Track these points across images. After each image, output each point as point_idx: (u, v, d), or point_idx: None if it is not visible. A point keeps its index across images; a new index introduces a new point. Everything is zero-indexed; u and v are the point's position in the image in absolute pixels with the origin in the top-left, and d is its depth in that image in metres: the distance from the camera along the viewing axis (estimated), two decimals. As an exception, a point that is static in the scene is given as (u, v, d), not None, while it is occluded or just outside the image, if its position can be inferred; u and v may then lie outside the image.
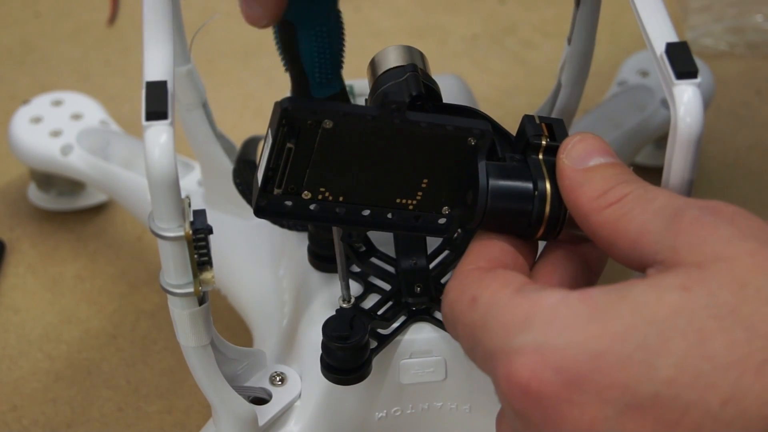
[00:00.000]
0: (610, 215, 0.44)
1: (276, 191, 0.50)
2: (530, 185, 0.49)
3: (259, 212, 0.51)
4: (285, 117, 0.48)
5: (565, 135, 0.50)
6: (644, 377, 0.40)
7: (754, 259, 0.41)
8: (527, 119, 0.51)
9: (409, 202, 0.51)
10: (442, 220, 0.51)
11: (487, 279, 0.45)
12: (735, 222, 0.42)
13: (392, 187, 0.51)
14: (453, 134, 0.49)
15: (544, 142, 0.50)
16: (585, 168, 0.46)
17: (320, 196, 0.51)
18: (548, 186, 0.48)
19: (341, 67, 0.50)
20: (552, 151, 0.49)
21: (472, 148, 0.50)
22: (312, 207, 0.51)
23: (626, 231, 0.43)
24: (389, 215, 0.51)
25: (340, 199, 0.51)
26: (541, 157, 0.50)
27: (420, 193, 0.51)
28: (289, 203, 0.51)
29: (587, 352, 0.40)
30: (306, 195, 0.50)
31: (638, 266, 0.44)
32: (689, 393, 0.39)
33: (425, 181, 0.51)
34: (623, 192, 0.45)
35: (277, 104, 0.48)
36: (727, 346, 0.39)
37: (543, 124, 0.50)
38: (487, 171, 0.49)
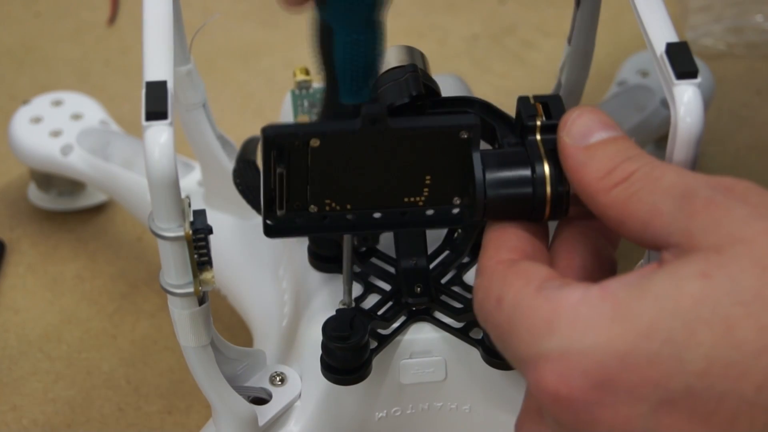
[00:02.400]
0: (618, 195, 0.43)
1: (279, 213, 0.50)
2: (528, 169, 0.48)
3: (270, 233, 0.51)
4: (268, 143, 0.48)
5: (562, 111, 0.49)
6: (675, 372, 0.39)
7: None
8: (521, 100, 0.50)
9: (418, 199, 0.51)
10: (455, 210, 0.51)
11: (511, 276, 0.44)
12: (748, 200, 0.41)
13: (397, 188, 0.50)
14: (442, 133, 0.49)
15: (538, 122, 0.49)
16: (587, 145, 0.45)
17: (327, 208, 0.50)
18: (546, 167, 0.48)
19: (374, 78, 0.50)
20: (549, 130, 0.48)
21: (465, 141, 0.49)
22: (322, 219, 0.51)
23: (636, 212, 0.43)
24: (401, 214, 0.51)
25: (348, 207, 0.51)
26: (538, 137, 0.49)
27: (426, 190, 0.50)
28: (298, 220, 0.51)
29: (613, 352, 0.40)
30: (313, 209, 0.50)
31: (651, 246, 0.43)
32: (722, 383, 0.39)
33: (428, 177, 0.50)
34: (629, 170, 0.44)
35: (261, 131, 0.48)
36: (756, 332, 0.39)
37: (537, 104, 0.50)
38: (483, 162, 0.49)
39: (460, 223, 0.51)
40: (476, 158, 0.49)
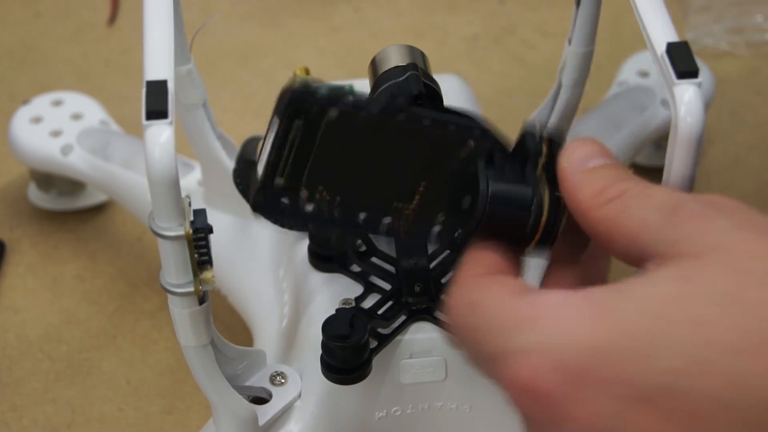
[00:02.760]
0: (610, 211, 0.44)
1: (278, 181, 0.50)
2: (529, 191, 0.49)
3: (257, 207, 0.51)
4: (293, 103, 0.48)
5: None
6: (648, 369, 0.39)
7: (751, 246, 0.41)
8: (528, 132, 0.51)
9: (406, 206, 0.51)
10: (436, 228, 0.51)
11: (488, 283, 0.45)
12: (734, 214, 0.42)
13: (390, 189, 0.51)
14: (453, 136, 0.49)
15: (543, 158, 0.50)
16: (585, 169, 0.46)
17: (318, 195, 0.50)
18: (546, 196, 0.48)
19: None
20: (551, 166, 0.49)
21: (470, 152, 0.49)
22: (308, 207, 0.51)
23: (626, 227, 0.44)
24: (385, 221, 0.51)
25: (337, 200, 0.51)
26: (540, 168, 0.50)
27: (417, 197, 0.51)
28: (285, 201, 0.51)
29: (588, 348, 0.40)
30: (303, 193, 0.50)
31: (637, 262, 0.43)
32: (695, 381, 0.39)
33: (423, 183, 0.50)
34: (622, 189, 0.45)
35: (285, 91, 0.48)
36: (730, 332, 0.39)
37: (545, 140, 0.50)
38: (487, 174, 0.49)
39: (438, 242, 0.52)
40: (482, 169, 0.49)
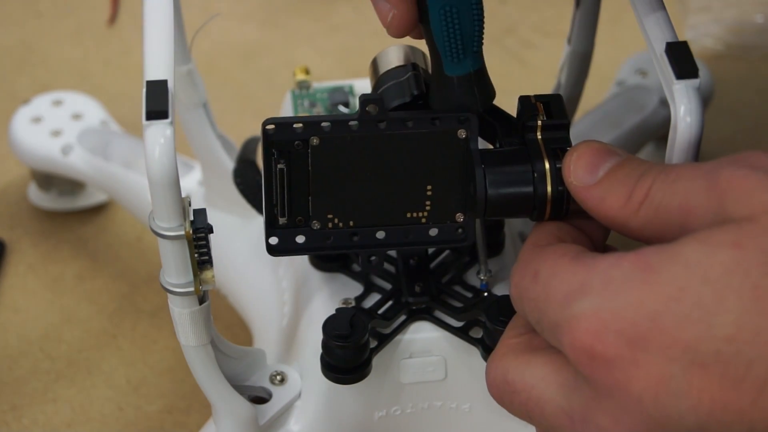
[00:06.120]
0: (647, 212, 0.44)
1: (281, 221, 0.50)
2: (528, 168, 0.48)
3: (273, 251, 0.51)
4: (269, 142, 0.48)
5: (562, 111, 0.50)
6: (704, 336, 0.40)
7: None
8: (522, 100, 0.50)
9: (421, 214, 0.51)
10: (459, 230, 0.51)
11: (546, 252, 0.45)
12: (765, 165, 0.42)
13: (399, 201, 0.50)
14: (441, 130, 0.49)
15: (539, 122, 0.49)
16: (597, 182, 0.46)
17: (330, 224, 0.50)
18: (547, 165, 0.48)
19: (476, 46, 0.49)
20: (550, 129, 0.49)
21: (463, 141, 0.49)
22: (325, 239, 0.51)
23: (669, 219, 0.43)
24: (405, 233, 0.51)
25: (351, 224, 0.51)
26: (539, 136, 0.49)
27: (428, 203, 0.50)
28: (301, 238, 0.51)
29: (644, 312, 0.41)
30: (315, 225, 0.50)
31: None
32: (750, 349, 0.40)
33: (429, 187, 0.50)
34: (647, 185, 0.44)
35: (262, 129, 0.48)
36: None
37: (539, 103, 0.50)
38: (483, 160, 0.49)
39: (464, 244, 0.51)
40: (476, 155, 0.49)
